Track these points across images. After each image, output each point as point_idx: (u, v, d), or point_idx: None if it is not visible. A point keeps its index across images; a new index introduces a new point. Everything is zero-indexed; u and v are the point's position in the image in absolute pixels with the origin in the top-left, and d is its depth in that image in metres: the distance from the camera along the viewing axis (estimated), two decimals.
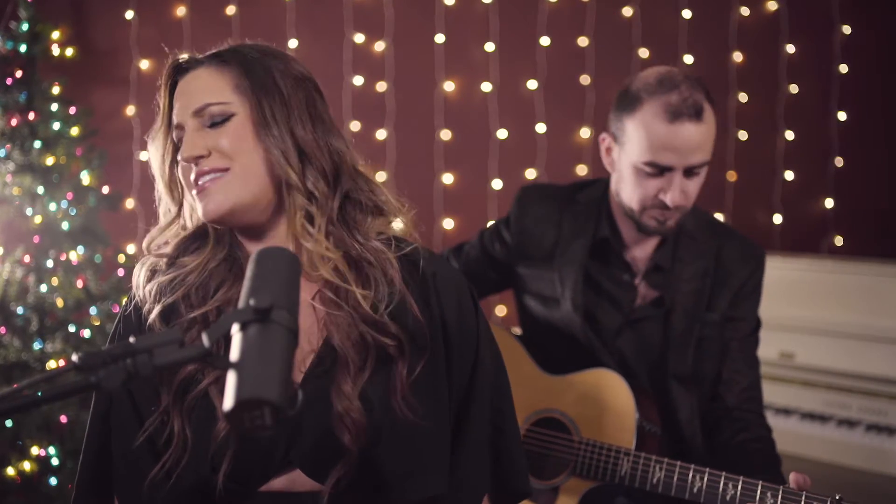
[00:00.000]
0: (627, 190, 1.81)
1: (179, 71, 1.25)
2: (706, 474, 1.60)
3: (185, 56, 1.26)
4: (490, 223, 2.15)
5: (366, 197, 1.24)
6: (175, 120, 1.22)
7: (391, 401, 1.17)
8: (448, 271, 1.30)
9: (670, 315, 1.86)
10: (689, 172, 1.76)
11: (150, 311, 1.21)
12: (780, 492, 1.50)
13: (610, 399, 1.79)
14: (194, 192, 1.20)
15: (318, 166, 1.19)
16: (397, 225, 1.28)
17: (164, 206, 1.28)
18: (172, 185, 1.25)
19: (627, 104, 1.79)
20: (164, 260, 1.25)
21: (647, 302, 1.90)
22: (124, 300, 1.28)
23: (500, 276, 2.06)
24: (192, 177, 1.19)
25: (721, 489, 1.57)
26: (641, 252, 1.91)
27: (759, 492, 1.52)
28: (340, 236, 1.21)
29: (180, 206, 1.26)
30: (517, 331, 2.11)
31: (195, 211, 1.24)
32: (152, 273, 1.24)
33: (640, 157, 1.76)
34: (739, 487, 1.55)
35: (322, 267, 1.17)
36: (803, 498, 1.45)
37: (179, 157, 1.20)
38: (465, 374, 1.26)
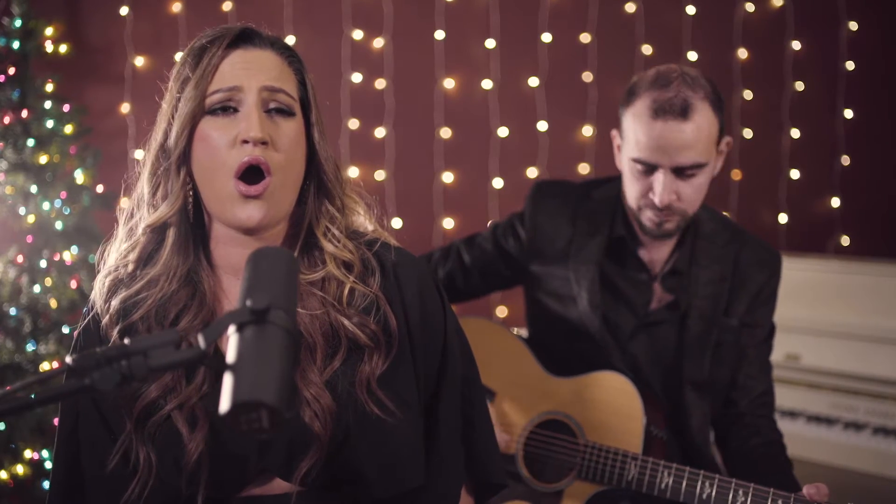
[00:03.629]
0: (626, 187, 1.81)
1: (246, 38, 1.20)
2: (716, 480, 1.58)
3: (256, 28, 1.23)
4: (492, 220, 2.12)
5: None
6: (232, 83, 1.16)
7: (356, 395, 1.16)
8: (409, 262, 1.28)
9: (686, 319, 1.84)
10: (681, 173, 1.72)
11: (108, 328, 1.19)
12: (792, 500, 1.49)
13: (617, 402, 1.77)
14: (239, 188, 1.14)
15: (337, 176, 1.25)
16: (358, 217, 1.30)
17: (165, 183, 1.19)
18: (184, 154, 1.17)
19: (626, 99, 1.78)
20: (127, 271, 1.21)
21: (663, 305, 1.88)
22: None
23: (512, 271, 2.04)
24: (245, 158, 1.13)
25: (731, 496, 1.55)
26: (658, 253, 1.88)
27: (769, 499, 1.51)
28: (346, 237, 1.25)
29: (183, 181, 1.18)
30: (521, 331, 2.08)
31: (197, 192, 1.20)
32: (113, 286, 1.21)
33: (630, 152, 1.75)
34: (750, 494, 1.53)
35: (330, 263, 1.20)
36: None
37: (247, 136, 1.13)
38: (433, 365, 1.26)
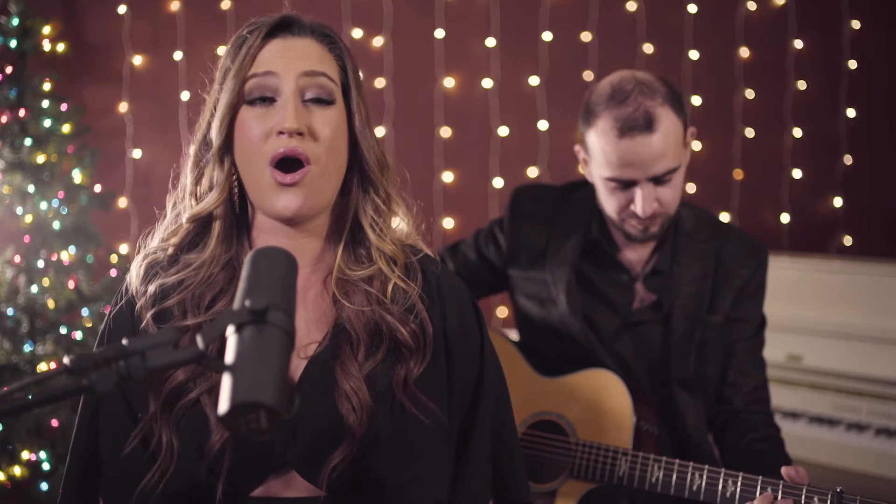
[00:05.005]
0: (603, 201, 1.80)
1: (284, 27, 1.19)
2: (705, 471, 1.58)
3: (295, 16, 1.20)
4: (492, 219, 2.12)
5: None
6: (269, 68, 1.15)
7: (392, 395, 1.15)
8: (451, 280, 1.29)
9: (670, 319, 1.83)
10: (659, 181, 1.72)
11: (143, 310, 1.18)
12: (780, 486, 1.48)
13: (606, 399, 1.77)
14: (275, 176, 1.13)
15: (381, 166, 1.24)
16: (398, 224, 1.29)
17: (207, 173, 1.18)
18: (225, 144, 1.16)
19: (585, 118, 1.77)
20: (166, 255, 1.21)
21: (646, 305, 1.87)
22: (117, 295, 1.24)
23: (496, 277, 2.05)
24: (280, 149, 1.12)
25: (721, 486, 1.55)
26: (636, 254, 1.87)
27: (758, 487, 1.51)
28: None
29: (228, 171, 1.18)
30: (512, 334, 2.08)
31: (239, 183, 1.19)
32: (151, 269, 1.20)
33: (601, 172, 1.74)
34: (739, 484, 1.53)
35: (378, 260, 1.20)
36: (804, 491, 1.43)
37: (282, 126, 1.12)
38: (469, 383, 1.25)
